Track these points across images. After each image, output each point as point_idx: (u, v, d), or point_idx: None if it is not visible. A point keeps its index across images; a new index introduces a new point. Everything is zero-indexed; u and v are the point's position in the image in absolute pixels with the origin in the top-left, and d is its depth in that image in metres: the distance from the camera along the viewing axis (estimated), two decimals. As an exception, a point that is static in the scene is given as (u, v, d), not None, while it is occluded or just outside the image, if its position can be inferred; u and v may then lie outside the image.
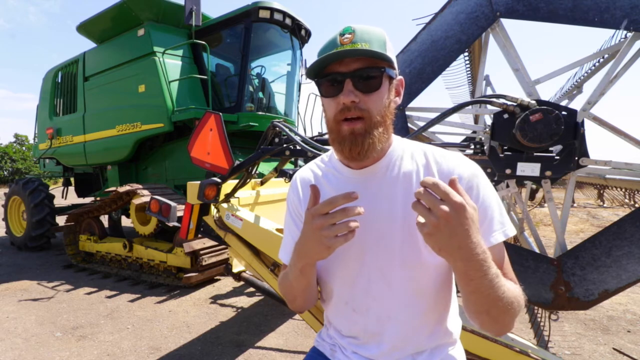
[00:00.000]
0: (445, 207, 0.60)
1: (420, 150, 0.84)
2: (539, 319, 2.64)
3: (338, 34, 0.75)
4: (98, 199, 5.39)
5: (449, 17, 1.80)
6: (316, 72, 0.77)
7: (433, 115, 1.72)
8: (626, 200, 9.57)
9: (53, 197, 6.02)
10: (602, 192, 11.73)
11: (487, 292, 0.65)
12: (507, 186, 2.90)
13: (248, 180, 2.13)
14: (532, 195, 7.64)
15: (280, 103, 5.67)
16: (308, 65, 0.77)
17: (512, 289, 0.70)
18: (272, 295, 2.18)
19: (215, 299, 3.70)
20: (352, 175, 0.85)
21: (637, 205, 8.01)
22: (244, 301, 3.63)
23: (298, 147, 1.84)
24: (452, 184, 0.63)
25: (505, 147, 1.46)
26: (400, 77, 0.83)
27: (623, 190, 8.51)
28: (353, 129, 0.74)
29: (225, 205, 2.06)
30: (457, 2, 1.78)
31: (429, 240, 0.64)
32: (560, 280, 1.56)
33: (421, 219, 0.63)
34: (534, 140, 1.33)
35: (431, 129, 1.78)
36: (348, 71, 0.73)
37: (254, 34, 4.96)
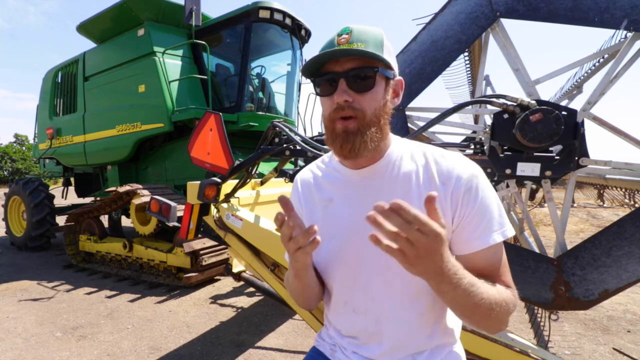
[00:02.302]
0: (424, 239, 0.57)
1: (419, 150, 0.84)
2: (539, 319, 2.63)
3: (336, 34, 0.76)
4: (98, 199, 5.40)
5: (449, 17, 1.80)
6: (313, 71, 0.79)
7: (433, 115, 1.71)
8: (626, 200, 9.56)
9: (53, 197, 6.02)
10: (602, 192, 11.73)
11: (462, 302, 0.67)
12: (507, 186, 2.89)
13: (248, 180, 2.13)
14: (532, 195, 7.63)
15: (280, 103, 5.67)
16: (304, 65, 0.78)
17: (494, 294, 0.70)
18: (272, 295, 2.18)
19: (215, 299, 3.70)
20: (352, 176, 0.85)
21: (637, 205, 8.00)
22: (244, 301, 3.63)
23: (298, 147, 1.84)
24: (430, 202, 0.58)
25: (505, 147, 1.45)
26: (399, 77, 0.83)
27: (623, 190, 8.50)
28: (346, 127, 0.75)
29: (225, 205, 2.06)
30: (457, 2, 1.78)
31: (410, 269, 0.61)
32: (560, 280, 1.56)
33: (392, 244, 0.58)
34: (534, 140, 1.33)
35: (431, 129, 1.78)
36: (342, 71, 0.75)
37: (254, 34, 4.96)
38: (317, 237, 0.69)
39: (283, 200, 0.71)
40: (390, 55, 0.77)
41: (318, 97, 0.83)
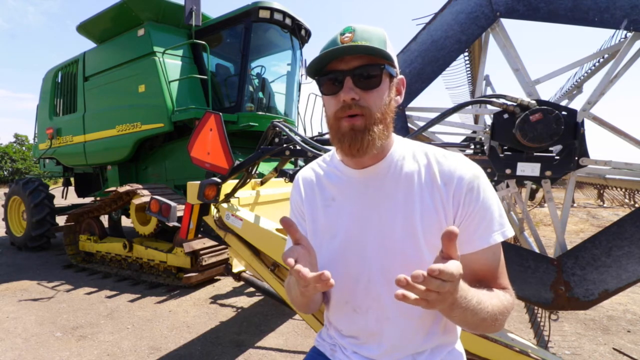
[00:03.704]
0: (448, 285, 0.56)
1: (421, 150, 0.84)
2: (539, 319, 2.63)
3: (338, 34, 0.75)
4: (98, 199, 5.39)
5: (449, 17, 1.80)
6: (316, 70, 0.78)
7: (433, 115, 1.71)
8: (626, 200, 9.56)
9: (53, 197, 6.02)
10: (602, 192, 11.73)
11: (470, 320, 0.68)
12: (507, 186, 2.89)
13: (248, 180, 2.13)
14: (532, 195, 7.64)
15: (280, 103, 5.67)
16: (308, 64, 0.77)
17: (497, 304, 0.72)
18: (272, 295, 2.18)
19: (215, 299, 3.70)
20: (354, 175, 0.85)
21: (637, 205, 8.00)
22: (244, 301, 3.63)
23: (298, 147, 1.84)
24: (450, 238, 0.57)
25: (505, 147, 1.46)
26: (401, 76, 0.83)
27: (623, 190, 8.50)
28: (353, 125, 0.74)
29: (225, 205, 2.06)
30: (457, 2, 1.78)
31: (428, 308, 0.60)
32: (560, 280, 1.56)
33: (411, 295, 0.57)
34: (534, 140, 1.33)
35: (431, 129, 1.78)
36: (348, 69, 0.74)
37: (254, 34, 4.96)
38: (331, 281, 0.65)
39: (287, 223, 0.72)
40: (393, 53, 0.77)
41: (318, 97, 0.83)
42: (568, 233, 6.79)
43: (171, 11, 5.09)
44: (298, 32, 5.40)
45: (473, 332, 0.76)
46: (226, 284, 4.16)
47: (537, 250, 2.04)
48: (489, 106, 1.71)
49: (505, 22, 1.75)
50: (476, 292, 0.68)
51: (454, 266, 0.56)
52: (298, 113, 6.03)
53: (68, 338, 2.87)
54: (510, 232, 0.77)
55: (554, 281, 1.57)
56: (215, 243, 3.68)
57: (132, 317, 3.27)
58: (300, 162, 3.55)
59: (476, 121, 3.59)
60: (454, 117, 1.83)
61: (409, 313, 0.81)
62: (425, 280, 0.54)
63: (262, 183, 2.58)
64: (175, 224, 3.00)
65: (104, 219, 5.35)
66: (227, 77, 5.40)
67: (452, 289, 0.58)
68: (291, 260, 0.67)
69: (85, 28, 5.61)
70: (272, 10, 4.85)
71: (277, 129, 1.94)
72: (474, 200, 0.76)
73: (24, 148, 39.30)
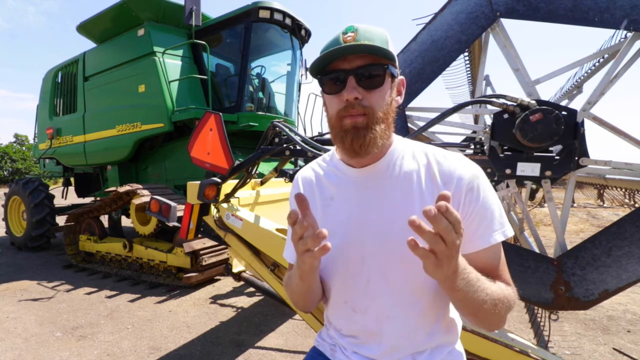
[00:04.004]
0: (458, 239, 0.58)
1: (421, 150, 0.85)
2: (539, 319, 2.63)
3: (341, 33, 0.75)
4: (98, 199, 5.39)
5: (449, 17, 1.80)
6: (319, 70, 0.78)
7: (433, 115, 1.72)
8: (626, 200, 9.56)
9: (53, 197, 6.02)
10: (602, 192, 11.73)
11: (470, 297, 0.68)
12: (507, 186, 2.89)
13: (248, 180, 2.13)
14: (532, 195, 7.64)
15: (280, 103, 5.67)
16: (310, 63, 0.77)
17: (497, 290, 0.73)
18: (272, 295, 2.18)
19: (215, 299, 3.70)
20: (354, 174, 0.85)
21: (637, 205, 8.00)
22: (244, 301, 3.63)
23: (298, 147, 1.84)
24: (443, 198, 0.57)
25: (505, 147, 1.46)
26: (401, 77, 0.84)
27: (623, 190, 8.50)
28: (355, 123, 0.74)
29: (225, 205, 2.06)
30: (457, 2, 1.78)
31: (436, 271, 0.61)
32: (560, 280, 1.56)
33: (424, 245, 0.58)
34: (534, 140, 1.33)
35: (431, 129, 1.78)
36: (351, 68, 0.74)
37: (254, 34, 4.96)
38: (327, 244, 0.66)
39: (300, 198, 0.70)
40: (394, 53, 0.77)
41: (318, 97, 0.83)
42: (568, 233, 6.79)
43: (171, 11, 5.09)
44: (298, 32, 5.40)
45: (475, 322, 0.75)
46: (226, 284, 4.16)
47: (537, 250, 2.04)
48: (489, 106, 1.71)
49: (505, 22, 1.75)
50: (475, 270, 0.69)
51: (456, 212, 0.57)
52: (298, 113, 6.03)
53: (68, 338, 2.87)
54: (510, 232, 0.78)
55: (554, 281, 1.57)
56: (215, 243, 3.68)
57: (132, 317, 3.27)
58: (300, 162, 3.55)
59: (476, 121, 3.59)
60: (454, 117, 1.83)
61: (409, 312, 0.81)
62: (435, 217, 0.55)
63: (262, 183, 2.58)
64: (175, 224, 3.00)
65: (104, 219, 5.35)
66: (227, 77, 5.40)
67: (456, 241, 0.58)
68: (295, 212, 0.67)
69: (85, 28, 5.61)
70: (272, 10, 4.85)
71: (277, 129, 1.94)
72: (474, 200, 0.76)
73: (24, 148, 39.30)
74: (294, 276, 0.82)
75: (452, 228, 0.56)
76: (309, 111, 6.00)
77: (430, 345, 0.84)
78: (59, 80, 6.40)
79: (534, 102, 1.37)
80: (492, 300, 0.70)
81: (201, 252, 3.88)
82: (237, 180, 2.12)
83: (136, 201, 4.08)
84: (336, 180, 0.88)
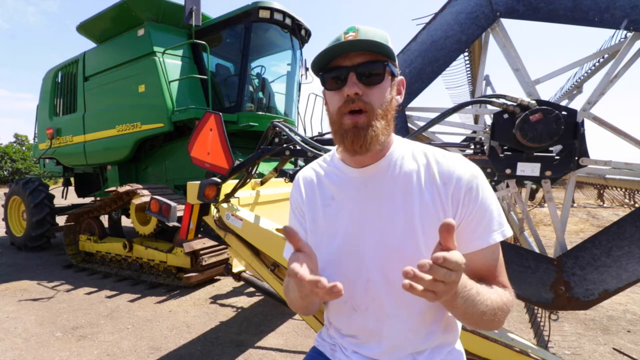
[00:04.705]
0: (454, 275, 0.58)
1: (420, 150, 0.85)
2: (539, 319, 2.63)
3: (342, 33, 0.77)
4: (98, 199, 5.39)
5: (449, 17, 1.80)
6: (320, 67, 0.79)
7: (433, 115, 1.71)
8: (626, 200, 9.56)
9: (53, 197, 6.01)
10: (602, 192, 11.73)
11: (470, 311, 0.68)
12: (507, 186, 2.89)
13: (248, 180, 2.13)
14: (532, 195, 7.63)
15: (280, 103, 5.67)
16: (312, 60, 0.78)
17: (496, 299, 0.73)
18: (272, 295, 2.18)
19: (215, 299, 3.70)
20: (354, 174, 0.85)
21: (637, 205, 8.00)
22: (244, 301, 3.63)
23: (298, 147, 1.84)
24: (448, 230, 0.58)
25: (505, 147, 1.46)
26: (401, 77, 0.85)
27: (623, 190, 8.51)
28: (356, 122, 0.75)
29: (225, 205, 2.06)
30: (457, 2, 1.78)
31: (434, 300, 0.61)
32: (560, 280, 1.56)
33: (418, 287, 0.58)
34: (534, 140, 1.33)
35: (431, 129, 1.78)
36: (352, 64, 0.75)
37: (254, 34, 4.96)
38: (340, 291, 0.62)
39: (287, 232, 0.70)
40: (394, 53, 0.78)
41: (318, 97, 0.83)
42: (568, 233, 6.79)
43: (171, 11, 5.09)
44: (298, 32, 5.40)
45: (474, 329, 0.76)
46: (226, 284, 4.16)
47: (537, 250, 2.03)
48: (489, 106, 1.71)
49: (505, 22, 1.75)
50: (474, 283, 0.69)
51: (457, 254, 0.57)
52: (298, 113, 6.03)
53: (68, 338, 2.87)
54: (509, 232, 0.78)
55: (554, 281, 1.57)
56: (215, 243, 3.68)
57: (132, 317, 3.27)
58: (300, 162, 3.55)
59: (476, 121, 3.59)
60: (454, 117, 1.83)
61: (409, 312, 0.81)
62: (432, 269, 0.55)
63: (262, 183, 2.58)
64: (175, 224, 3.00)
65: (104, 219, 5.35)
66: (227, 77, 5.40)
67: (457, 278, 0.59)
68: (297, 269, 0.66)
69: (85, 28, 5.61)
70: (272, 10, 4.85)
71: (277, 129, 1.94)
72: (472, 200, 0.77)
73: (24, 148, 39.27)
74: (294, 290, 0.78)
75: (451, 273, 0.56)
76: (309, 111, 6.01)
77: (430, 345, 0.84)
78: (59, 81, 6.39)
79: (534, 102, 1.37)
80: (491, 311, 0.71)
81: (201, 252, 3.88)
82: (237, 180, 2.12)
83: (136, 201, 4.07)
84: (337, 180, 0.88)
